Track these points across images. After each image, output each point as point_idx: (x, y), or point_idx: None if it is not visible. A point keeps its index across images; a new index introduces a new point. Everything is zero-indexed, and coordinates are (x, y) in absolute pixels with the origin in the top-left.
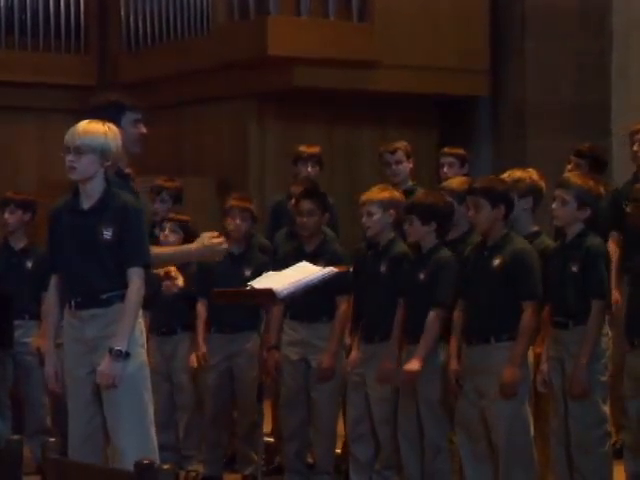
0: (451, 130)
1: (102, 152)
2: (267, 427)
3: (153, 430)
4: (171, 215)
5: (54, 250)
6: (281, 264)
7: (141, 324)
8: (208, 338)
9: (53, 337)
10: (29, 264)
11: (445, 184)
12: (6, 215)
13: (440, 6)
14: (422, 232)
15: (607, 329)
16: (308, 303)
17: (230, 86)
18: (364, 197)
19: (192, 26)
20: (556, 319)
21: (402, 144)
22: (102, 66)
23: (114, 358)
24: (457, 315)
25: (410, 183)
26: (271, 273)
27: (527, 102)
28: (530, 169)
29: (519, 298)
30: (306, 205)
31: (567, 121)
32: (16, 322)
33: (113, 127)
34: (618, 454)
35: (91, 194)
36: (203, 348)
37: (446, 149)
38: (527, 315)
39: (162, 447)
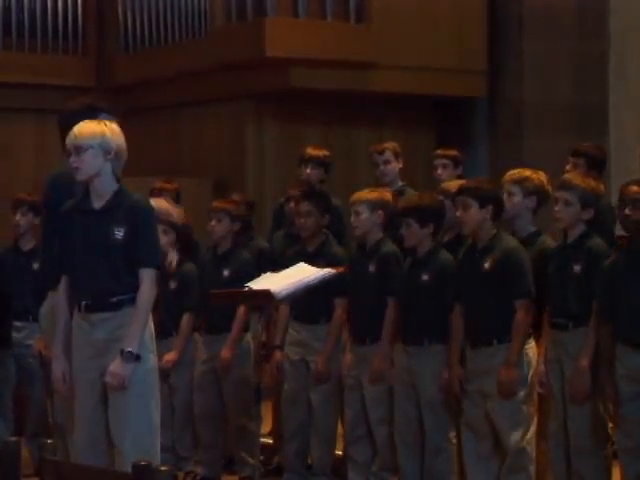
0: (449, 131)
1: (101, 146)
2: (266, 427)
3: (158, 436)
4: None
5: (63, 251)
6: (282, 265)
7: (151, 328)
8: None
9: (62, 339)
10: (35, 266)
11: (443, 186)
12: (17, 217)
13: (438, 7)
14: (420, 235)
15: None
16: (307, 305)
17: (228, 87)
18: (353, 197)
19: (190, 27)
20: (556, 320)
21: (391, 144)
22: (100, 67)
23: (125, 360)
24: (455, 319)
25: (400, 184)
26: (269, 274)
27: (525, 103)
28: (540, 171)
29: (511, 297)
30: (304, 206)
31: (565, 122)
32: (20, 324)
33: (112, 125)
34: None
35: (101, 193)
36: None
37: (440, 151)
38: (520, 314)
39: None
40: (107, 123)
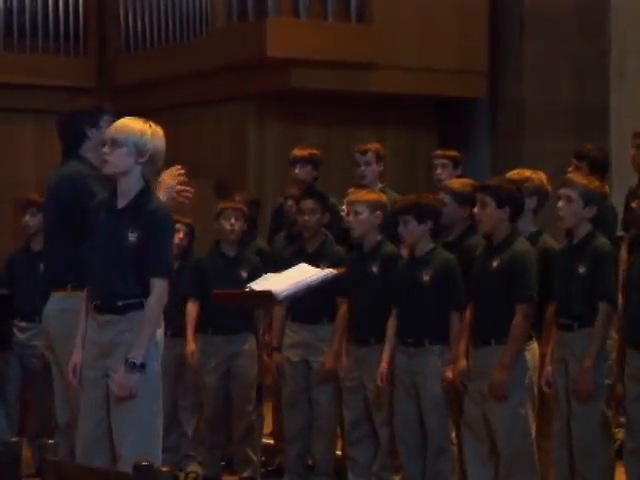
0: (450, 131)
1: (136, 147)
2: (267, 429)
3: (158, 441)
4: None
5: (87, 249)
6: (283, 266)
7: (159, 335)
8: (203, 339)
9: (82, 333)
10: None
11: (446, 183)
12: (27, 217)
13: (439, 7)
14: (419, 232)
15: (612, 332)
16: (309, 305)
17: (229, 88)
18: (351, 197)
19: (191, 28)
20: (561, 321)
21: (374, 146)
22: (101, 68)
23: (128, 370)
24: (468, 316)
25: (380, 185)
26: (270, 275)
27: (526, 103)
28: (539, 171)
29: (513, 301)
30: (307, 204)
31: (566, 122)
32: (25, 324)
33: (157, 128)
34: (618, 454)
35: (127, 193)
36: (192, 346)
37: (439, 151)
38: (518, 318)
39: (163, 448)
40: (152, 125)
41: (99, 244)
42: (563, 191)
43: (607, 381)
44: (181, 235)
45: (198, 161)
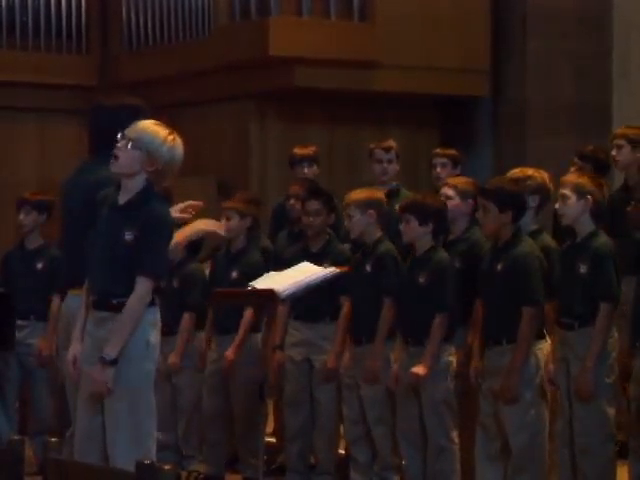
0: (451, 130)
1: (149, 154)
2: (269, 427)
3: (151, 441)
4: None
5: (89, 244)
6: (286, 265)
7: (154, 336)
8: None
9: (81, 326)
10: (39, 265)
11: (449, 180)
12: (21, 216)
13: (441, 6)
14: (419, 232)
15: (614, 331)
16: (311, 303)
17: (231, 86)
18: (345, 200)
19: (193, 27)
20: (562, 320)
21: (394, 144)
22: (103, 66)
23: (102, 365)
24: (477, 313)
25: (394, 183)
26: (273, 273)
27: (527, 102)
28: (542, 170)
29: (519, 303)
30: (313, 205)
31: (568, 121)
32: (22, 322)
33: (178, 139)
34: (620, 454)
35: (130, 190)
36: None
37: (439, 150)
38: (525, 321)
39: (163, 447)
40: (175, 138)
41: (99, 240)
42: (560, 192)
43: (608, 380)
44: None
45: (200, 160)
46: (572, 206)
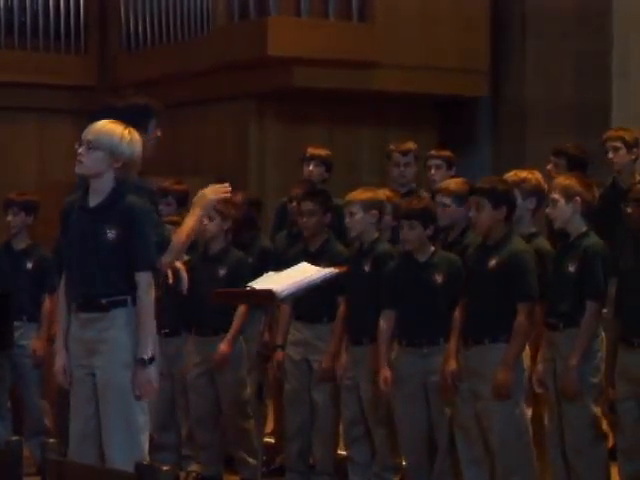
0: (451, 130)
1: (112, 152)
2: (269, 427)
3: (143, 439)
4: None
5: (63, 248)
6: (285, 265)
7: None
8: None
9: (63, 336)
10: (29, 265)
11: (442, 185)
12: (9, 217)
13: (440, 6)
14: (423, 237)
15: (600, 331)
16: (309, 304)
17: (230, 87)
18: (347, 197)
19: (192, 27)
20: (549, 320)
21: (413, 146)
22: (102, 67)
23: (140, 367)
24: (457, 315)
25: (412, 185)
26: (271, 273)
27: (527, 102)
28: (535, 171)
29: (514, 299)
30: (306, 206)
31: (567, 121)
32: (14, 323)
33: (135, 133)
34: (613, 456)
35: (99, 192)
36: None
37: (433, 151)
38: (521, 317)
39: (162, 447)
40: (131, 131)
41: (74, 244)
42: (550, 197)
43: (594, 380)
44: None
45: (199, 160)
46: (562, 209)
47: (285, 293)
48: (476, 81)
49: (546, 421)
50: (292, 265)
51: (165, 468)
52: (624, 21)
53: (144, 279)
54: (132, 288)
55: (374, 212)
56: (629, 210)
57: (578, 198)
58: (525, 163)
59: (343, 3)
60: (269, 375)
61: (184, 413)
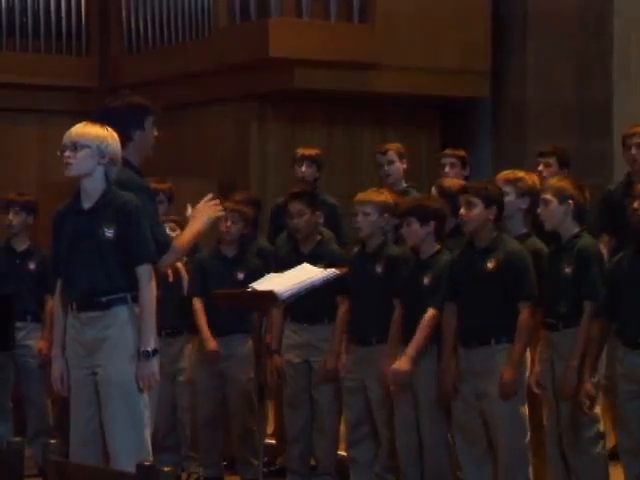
0: (451, 131)
1: (98, 148)
2: (269, 428)
3: (147, 434)
4: (172, 217)
5: (58, 253)
6: (279, 266)
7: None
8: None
9: (60, 341)
10: (31, 266)
11: (437, 182)
12: (10, 217)
13: (440, 7)
14: (421, 233)
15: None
16: (309, 305)
17: (231, 88)
18: (361, 197)
19: (193, 28)
20: (547, 321)
21: (394, 145)
22: (103, 68)
23: (143, 359)
24: (448, 319)
25: (404, 185)
26: (272, 275)
27: (528, 103)
28: (533, 174)
29: (515, 299)
30: (294, 206)
31: (568, 122)
32: (18, 324)
33: (112, 131)
34: (613, 456)
35: (91, 193)
36: (213, 343)
37: (448, 150)
38: (524, 316)
39: (163, 448)
40: (108, 129)
41: (70, 247)
42: (541, 197)
43: (593, 379)
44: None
45: (200, 161)
46: (554, 210)
47: (287, 294)
48: (476, 82)
49: (545, 421)
50: (287, 266)
51: (166, 469)
52: (625, 22)
53: (144, 272)
54: (132, 285)
55: (385, 216)
56: (635, 205)
57: (571, 201)
58: (525, 163)
59: (344, 4)
60: (268, 378)
61: (186, 414)
